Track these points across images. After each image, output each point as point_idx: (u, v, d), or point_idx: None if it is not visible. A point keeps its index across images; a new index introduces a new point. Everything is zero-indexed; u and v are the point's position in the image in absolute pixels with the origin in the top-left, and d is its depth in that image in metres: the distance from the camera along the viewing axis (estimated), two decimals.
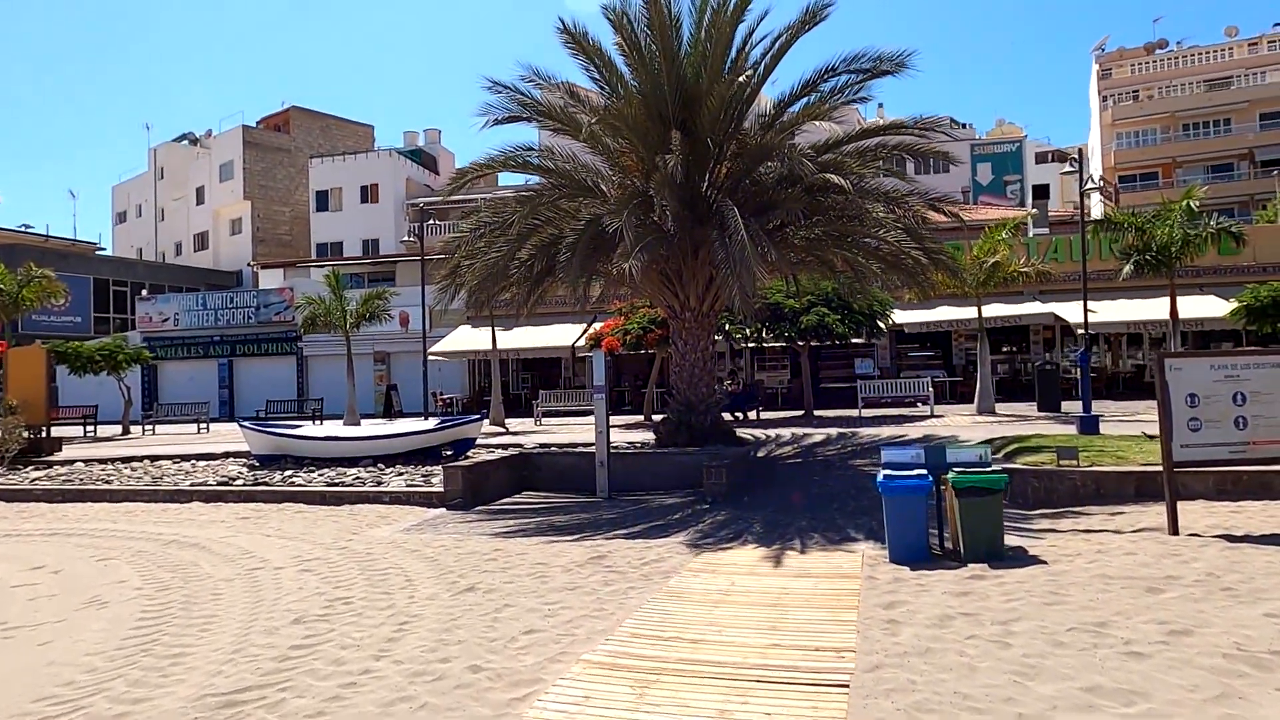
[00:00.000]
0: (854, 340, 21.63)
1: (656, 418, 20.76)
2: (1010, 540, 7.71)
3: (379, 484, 13.75)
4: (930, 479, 7.56)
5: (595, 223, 12.12)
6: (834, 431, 17.46)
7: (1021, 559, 7.27)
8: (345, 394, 24.75)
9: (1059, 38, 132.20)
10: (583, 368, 31.20)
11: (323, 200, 45.98)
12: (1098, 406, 20.21)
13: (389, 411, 29.28)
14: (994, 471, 7.44)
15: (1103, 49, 60.63)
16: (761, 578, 7.02)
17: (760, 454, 14.83)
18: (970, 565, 7.13)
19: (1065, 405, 20.36)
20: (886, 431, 16.95)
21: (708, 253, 13.56)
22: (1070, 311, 25.27)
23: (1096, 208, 51.86)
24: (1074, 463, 10.52)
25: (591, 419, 23.72)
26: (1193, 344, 27.14)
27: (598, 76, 13.79)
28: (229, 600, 6.79)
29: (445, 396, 28.86)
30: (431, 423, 17.18)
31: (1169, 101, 54.97)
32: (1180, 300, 26.00)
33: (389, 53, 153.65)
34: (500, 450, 17.03)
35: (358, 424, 23.93)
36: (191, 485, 14.31)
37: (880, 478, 7.72)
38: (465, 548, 8.78)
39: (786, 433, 17.74)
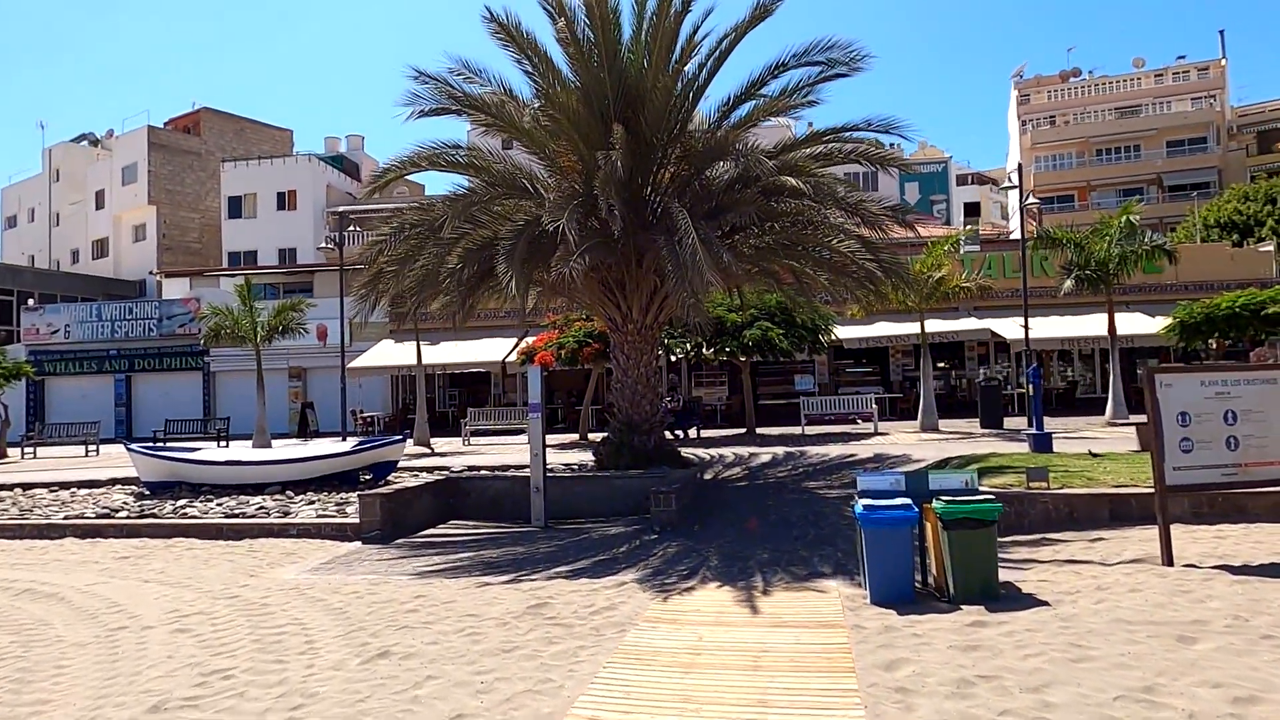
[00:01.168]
0: (795, 356, 21.02)
1: (593, 437, 19.68)
2: None
3: (286, 514, 12.27)
4: (916, 509, 6.72)
5: (534, 224, 11.04)
6: (780, 451, 16.70)
7: (1019, 599, 6.48)
8: (256, 413, 22.85)
9: (975, 64, 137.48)
10: (514, 384, 29.88)
11: (236, 206, 43.41)
12: (1015, 423, 20.12)
13: (304, 431, 27.36)
14: (985, 500, 6.64)
15: (1021, 75, 62.77)
16: (733, 629, 6.03)
17: (708, 476, 13.91)
18: (964, 608, 6.30)
19: (1007, 421, 20.16)
20: (835, 451, 16.28)
21: (653, 260, 12.63)
22: (1006, 328, 25.36)
23: (1016, 229, 53.40)
24: (1044, 485, 9.91)
25: (524, 438, 22.49)
26: (1123, 361, 27.57)
27: (531, 70, 12.75)
28: (73, 676, 5.41)
29: (366, 415, 27.12)
30: (348, 444, 15.69)
31: (1084, 127, 57.11)
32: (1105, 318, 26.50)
33: (311, 55, 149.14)
34: (425, 474, 15.66)
35: (268, 445, 22.08)
36: (65, 518, 12.52)
37: (859, 508, 6.84)
38: (381, 594, 7.52)
39: (730, 452, 16.90)
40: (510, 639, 5.85)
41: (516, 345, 25.60)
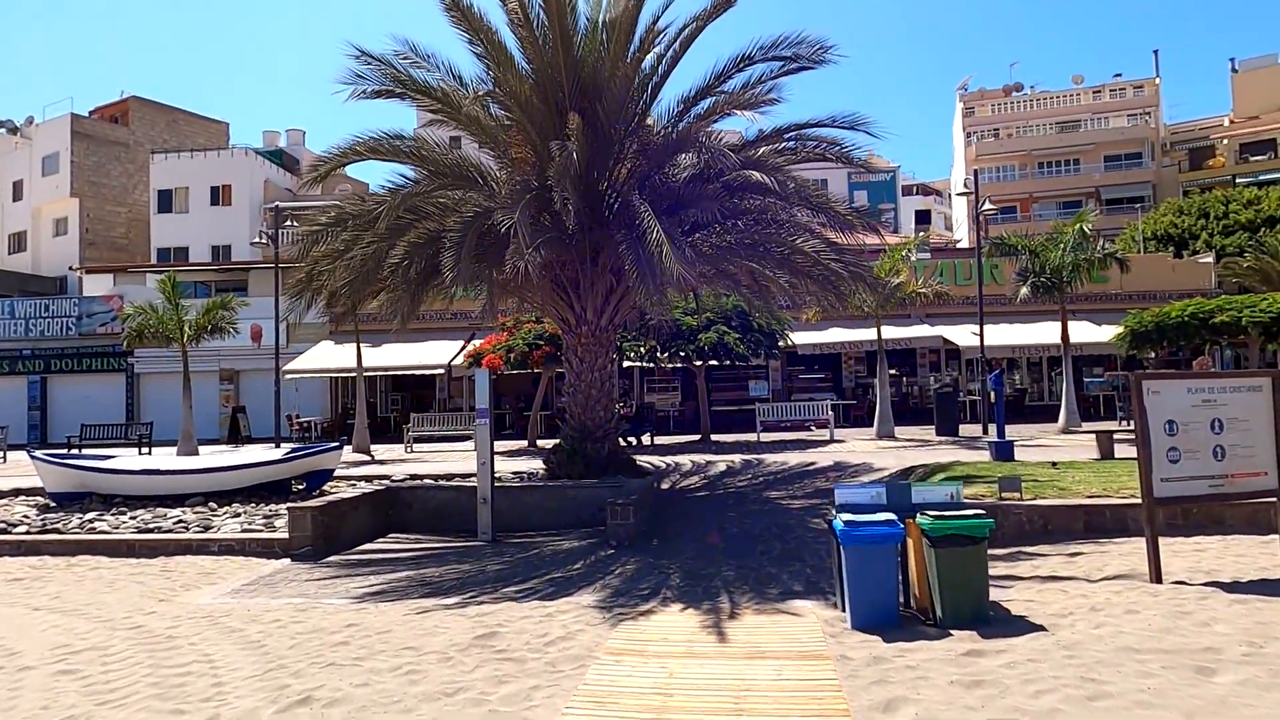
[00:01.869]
0: (751, 361, 20.57)
1: (543, 444, 18.92)
2: None
3: (207, 529, 11.24)
4: (902, 526, 6.19)
5: (483, 218, 10.30)
6: (737, 459, 16.19)
7: (1011, 622, 5.99)
8: (182, 418, 21.44)
9: (919, 78, 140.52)
10: (460, 389, 28.87)
11: (166, 200, 41.33)
12: (971, 430, 20.06)
13: (235, 437, 25.93)
14: (975, 515, 6.14)
15: (966, 88, 64.02)
16: (706, 662, 5.39)
17: (665, 486, 13.29)
18: (954, 633, 5.78)
19: (962, 429, 20.02)
20: (793, 459, 15.83)
21: (609, 258, 11.99)
22: (958, 335, 25.39)
23: (962, 240, 54.27)
24: (1017, 496, 9.55)
25: (469, 445, 21.60)
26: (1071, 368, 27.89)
27: (483, 54, 11.98)
28: None
29: (302, 420, 25.82)
30: (279, 451, 14.63)
31: (1026, 141, 58.43)
32: (1055, 326, 26.75)
33: (250, 46, 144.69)
34: (363, 483, 14.71)
35: (194, 453, 20.75)
36: None
37: (838, 524, 6.28)
38: (308, 623, 6.69)
39: (686, 460, 16.32)
40: (454, 679, 5.11)
41: (464, 348, 24.70)
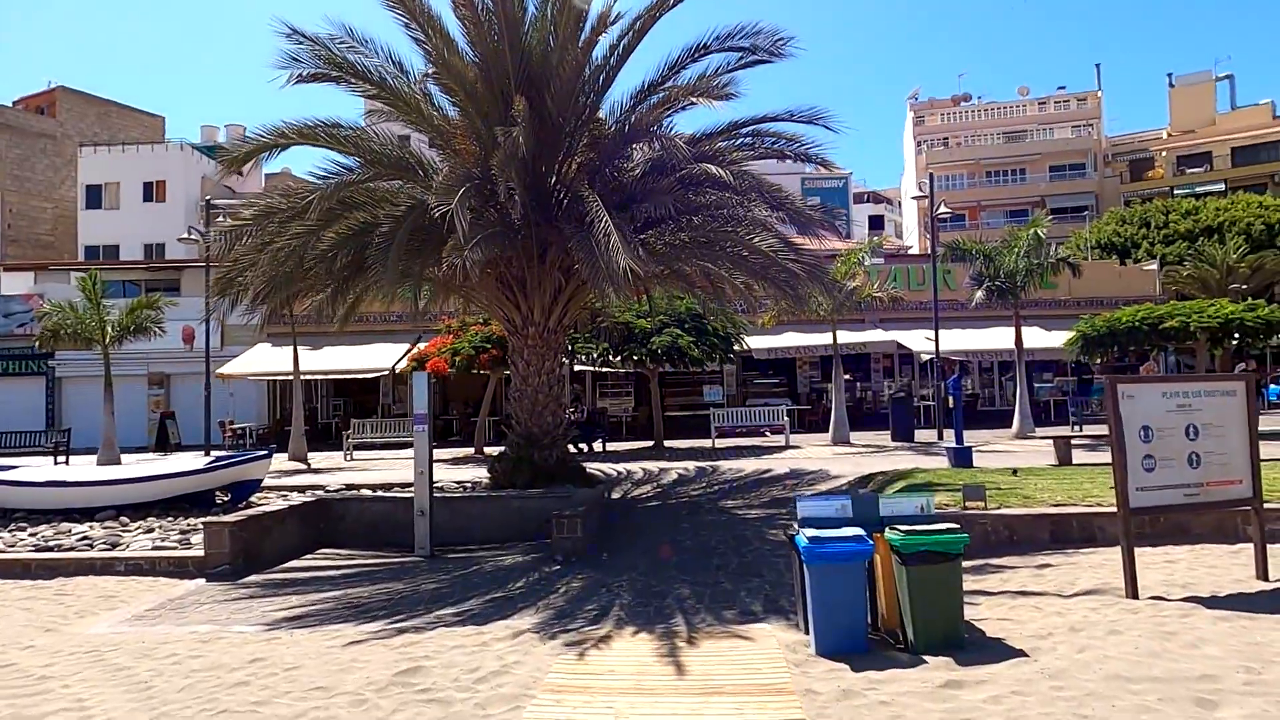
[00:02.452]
0: (705, 366, 20.09)
1: (490, 451, 18.16)
2: None
3: (114, 546, 10.28)
4: (870, 542, 5.68)
5: (419, 209, 9.58)
6: (691, 466, 15.66)
7: (987, 646, 5.52)
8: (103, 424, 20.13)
9: (869, 86, 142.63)
10: (405, 393, 27.84)
11: (95, 196, 39.37)
12: (926, 435, 19.92)
13: (163, 445, 24.58)
14: (949, 530, 5.67)
15: (916, 98, 64.89)
16: (658, 699, 4.80)
17: (616, 495, 12.68)
18: (929, 659, 5.29)
19: (917, 434, 19.83)
20: (749, 465, 15.35)
21: (558, 255, 11.36)
22: (911, 339, 25.31)
23: (914, 246, 54.83)
24: (981, 505, 9.16)
25: (412, 453, 20.77)
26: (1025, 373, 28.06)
27: (423, 37, 11.26)
28: None
29: (236, 427, 24.58)
30: (203, 460, 13.65)
31: (974, 150, 59.38)
32: (1007, 331, 26.87)
33: (188, 38, 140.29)
34: (296, 494, 13.83)
35: (116, 461, 19.49)
36: None
37: (801, 540, 5.74)
38: (209, 656, 5.92)
39: (639, 468, 15.73)
40: None
41: (409, 351, 23.77)
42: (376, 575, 9.18)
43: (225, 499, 13.03)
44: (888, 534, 5.84)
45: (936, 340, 20.68)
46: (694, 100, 10.25)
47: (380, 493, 12.97)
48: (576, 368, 21.20)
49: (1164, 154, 56.14)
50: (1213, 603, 6.27)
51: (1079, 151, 57.25)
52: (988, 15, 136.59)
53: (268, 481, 15.01)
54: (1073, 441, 13.82)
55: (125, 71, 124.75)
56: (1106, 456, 14.39)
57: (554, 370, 12.67)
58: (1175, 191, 51.40)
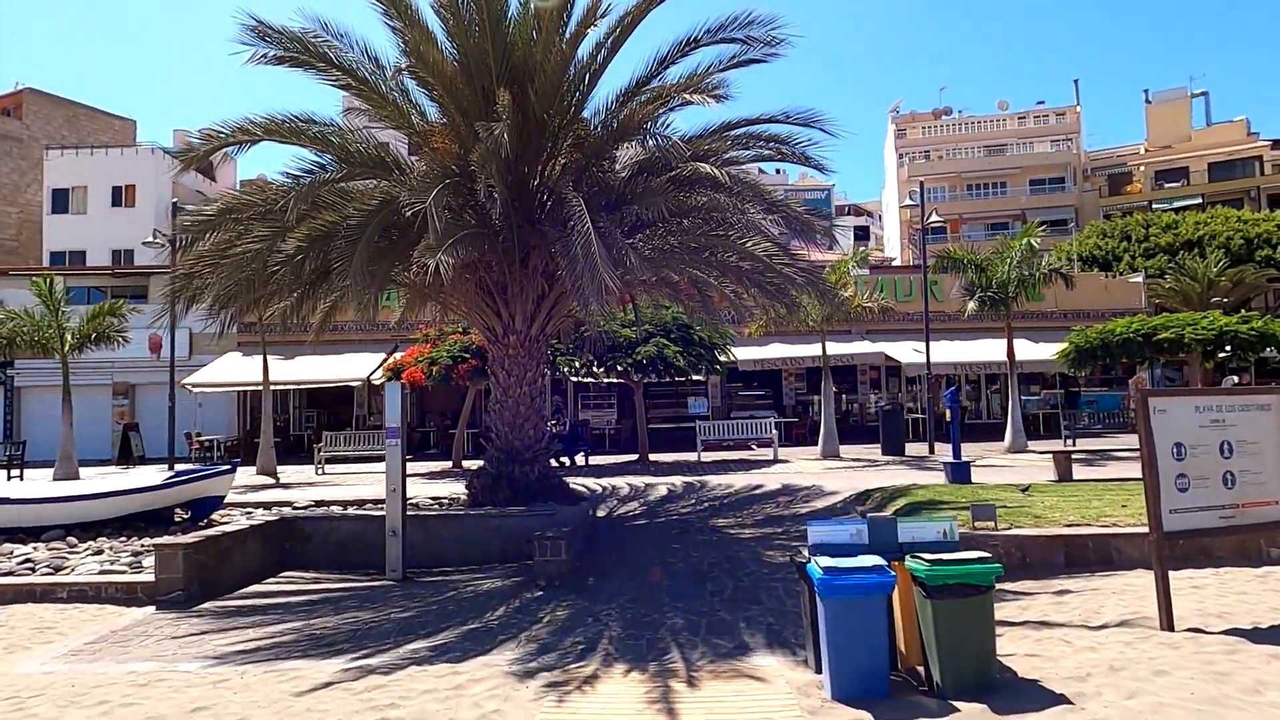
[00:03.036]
0: (689, 377, 19.52)
1: (468, 465, 17.48)
2: None
3: (58, 569, 9.50)
4: (893, 572, 5.11)
5: (390, 206, 8.95)
6: (678, 481, 15.05)
7: (1023, 690, 4.96)
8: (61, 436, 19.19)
9: (848, 99, 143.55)
10: (381, 405, 27.01)
11: (61, 200, 38.23)
12: (916, 449, 19.46)
13: (126, 458, 23.62)
14: (981, 560, 5.11)
15: (897, 111, 65.07)
16: None
17: (601, 513, 12.04)
18: (960, 705, 4.72)
19: (908, 448, 19.37)
20: (738, 481, 14.77)
21: (540, 260, 10.76)
22: (899, 351, 24.93)
23: (896, 258, 54.78)
24: (991, 525, 8.64)
25: (382, 465, 20.04)
26: (1003, 386, 27.78)
27: (401, 28, 10.64)
28: None
29: (204, 439, 23.66)
30: (160, 475, 12.86)
31: (955, 163, 59.59)
32: (994, 344, 26.58)
33: (161, 42, 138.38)
34: (262, 511, 13.08)
35: (75, 476, 18.59)
36: None
37: (815, 570, 5.16)
38: (145, 704, 5.22)
39: (624, 483, 15.11)
40: None
41: (385, 361, 23.03)
42: (343, 602, 8.48)
43: (184, 517, 12.26)
44: (909, 563, 5.27)
45: (928, 352, 20.29)
46: (685, 97, 9.69)
47: (350, 510, 12.25)
48: (558, 378, 20.55)
49: (1142, 169, 56.59)
50: (1257, 636, 5.75)
51: (1059, 165, 57.60)
52: (967, 30, 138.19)
53: (232, 497, 14.25)
54: (1073, 457, 13.36)
55: (96, 75, 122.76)
56: (1107, 472, 14.00)
57: (536, 381, 12.04)
58: (1153, 206, 51.79)
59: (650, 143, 9.57)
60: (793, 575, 8.76)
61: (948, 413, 13.31)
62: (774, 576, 8.59)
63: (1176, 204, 51.02)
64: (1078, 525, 8.78)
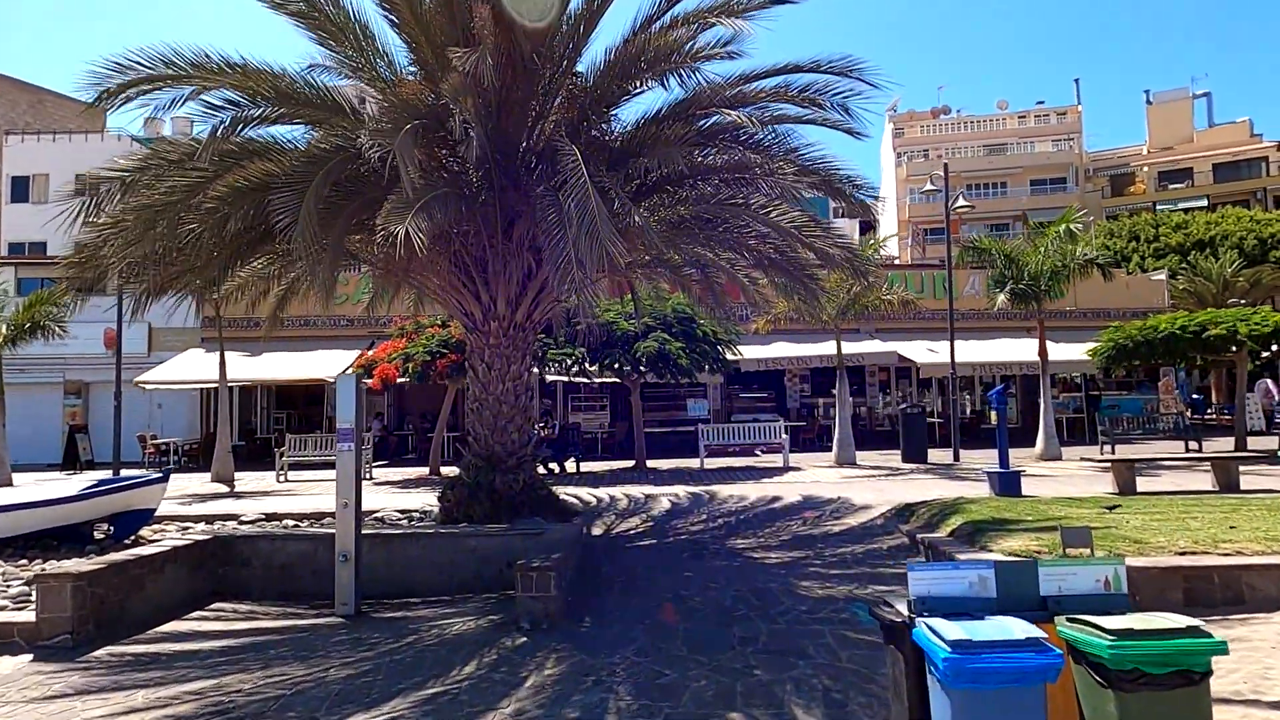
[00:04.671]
0: (687, 378, 17.75)
1: (447, 471, 15.68)
2: None
3: None
4: (1058, 654, 3.38)
5: (347, 155, 7.18)
6: (682, 492, 13.31)
7: None
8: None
9: None
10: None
11: (21, 188, 36.13)
12: (937, 456, 17.86)
13: (73, 462, 21.67)
14: (1192, 632, 3.39)
15: (895, 109, 63.64)
16: None
17: (597, 531, 10.27)
18: None
19: (931, 454, 17.72)
20: (751, 491, 13.04)
21: (527, 230, 8.99)
22: (913, 351, 23.29)
23: (897, 255, 53.32)
24: (1088, 553, 6.93)
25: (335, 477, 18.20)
26: (1023, 388, 26.25)
27: None
28: None
29: (160, 441, 21.72)
30: (77, 485, 11.00)
31: (954, 162, 58.01)
32: (1017, 344, 25.03)
33: (137, 24, 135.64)
34: (204, 525, 11.27)
35: (8, 482, 16.71)
36: None
37: (937, 644, 3.44)
38: None
39: (621, 493, 13.34)
40: None
41: (360, 358, 21.16)
42: (274, 650, 6.68)
43: (105, 533, 10.42)
44: (1066, 630, 3.58)
45: (952, 351, 18.72)
46: (711, 20, 7.90)
47: (301, 527, 10.44)
48: (549, 378, 18.77)
49: (1145, 169, 55.43)
50: None
51: (1060, 165, 56.38)
52: (966, 29, 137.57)
53: (174, 509, 12.49)
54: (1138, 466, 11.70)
55: (65, 61, 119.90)
56: (1163, 483, 12.37)
57: (521, 376, 10.28)
58: (1157, 206, 50.62)
59: (669, 79, 7.80)
60: (838, 614, 7.07)
61: (994, 414, 11.63)
62: (815, 616, 6.88)
63: (1181, 205, 49.91)
64: (1192, 553, 7.09)
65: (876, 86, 8.74)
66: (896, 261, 50.01)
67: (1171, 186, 53.75)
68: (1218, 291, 31.88)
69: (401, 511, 11.84)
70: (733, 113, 7.82)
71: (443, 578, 8.86)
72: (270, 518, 11.77)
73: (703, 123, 8.23)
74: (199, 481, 17.22)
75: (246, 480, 17.46)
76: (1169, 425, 18.78)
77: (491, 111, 7.96)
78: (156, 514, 10.88)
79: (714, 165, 8.89)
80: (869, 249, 17.22)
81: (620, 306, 16.47)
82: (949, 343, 19.20)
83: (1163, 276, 27.75)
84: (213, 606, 8.34)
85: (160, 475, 10.85)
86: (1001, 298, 16.72)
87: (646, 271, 12.31)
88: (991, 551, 7.37)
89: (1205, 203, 49.83)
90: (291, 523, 11.32)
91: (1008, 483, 11.20)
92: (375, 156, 6.75)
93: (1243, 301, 30.51)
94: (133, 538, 10.35)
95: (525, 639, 6.55)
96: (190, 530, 10.92)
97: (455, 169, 8.67)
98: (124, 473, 15.04)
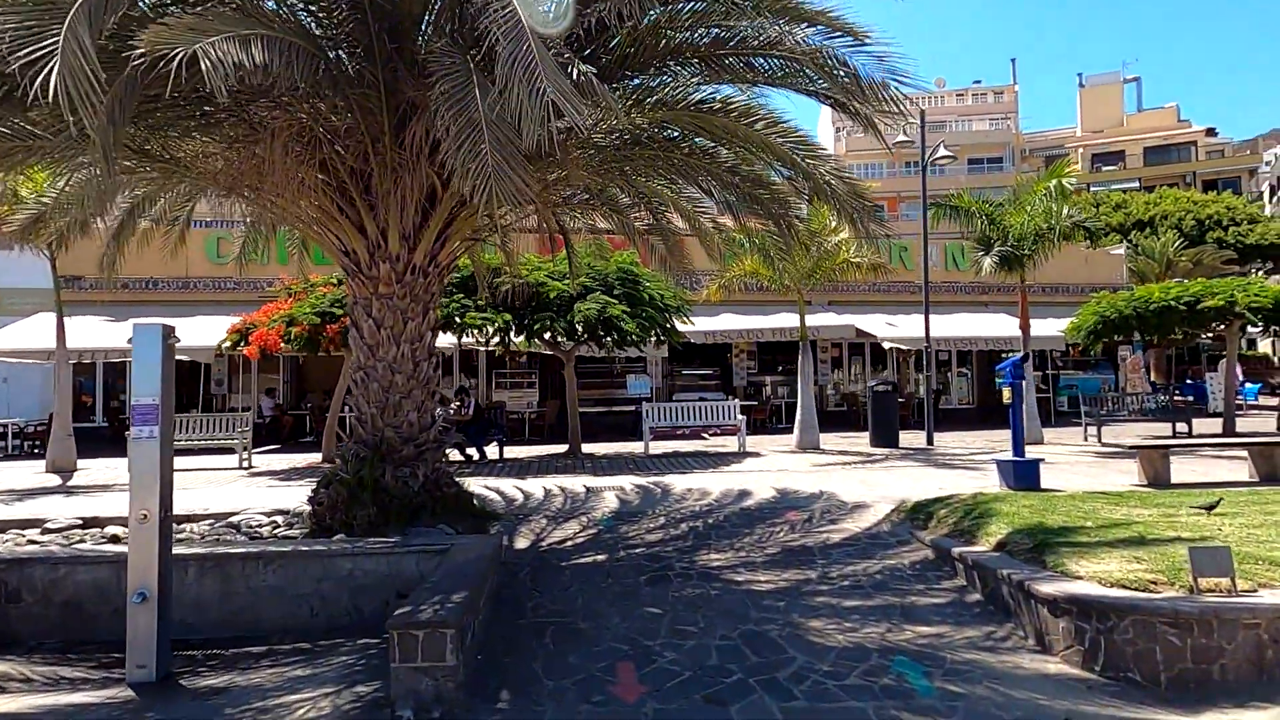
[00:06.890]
0: (640, 348, 15.41)
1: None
2: None
3: None
4: None
5: None
6: (628, 484, 10.95)
7: None
8: None
9: None
10: (241, 380, 22.02)
11: None
12: (908, 439, 16.07)
13: None
14: None
15: None
16: None
17: (522, 544, 7.81)
18: None
19: (902, 437, 15.86)
20: (713, 484, 10.77)
21: (426, 126, 6.38)
22: (872, 325, 21.48)
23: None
24: (1228, 582, 4.90)
25: (230, 459, 15.27)
26: (980, 364, 24.83)
27: None
28: None
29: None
30: None
31: (893, 139, 57.24)
32: (976, 318, 23.53)
33: None
34: None
35: None
36: None
37: None
38: None
39: (554, 486, 10.90)
40: None
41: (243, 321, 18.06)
42: None
43: None
44: None
45: (926, 323, 16.92)
46: None
47: (100, 549, 7.69)
48: (466, 347, 16.15)
49: (1079, 151, 55.45)
50: None
51: (997, 145, 56.00)
52: (900, 5, 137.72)
53: None
54: (1160, 451, 9.88)
55: None
56: (1192, 471, 10.67)
57: (423, 337, 7.74)
58: (1091, 188, 50.58)
59: None
60: (876, 678, 4.71)
61: (1006, 392, 9.64)
62: (844, 682, 4.65)
63: (1114, 186, 49.95)
64: None
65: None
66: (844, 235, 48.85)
67: (1105, 169, 53.93)
68: (1160, 270, 31.33)
69: (269, 514, 9.11)
70: None
71: (304, 612, 6.34)
72: (87, 524, 8.94)
73: None
74: (32, 471, 14.06)
75: (93, 470, 14.33)
76: (1155, 405, 17.40)
77: None
78: None
79: (692, 45, 6.51)
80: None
81: (552, 266, 13.97)
82: (922, 316, 17.39)
83: (1121, 251, 26.72)
84: None
85: None
86: (988, 262, 14.88)
87: (583, 209, 9.87)
88: (1079, 578, 5.25)
89: (1138, 185, 50.03)
90: (112, 532, 8.52)
91: (1025, 473, 9.24)
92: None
93: (1185, 281, 30.01)
94: None
95: None
96: None
97: (315, 32, 6.05)
98: None
